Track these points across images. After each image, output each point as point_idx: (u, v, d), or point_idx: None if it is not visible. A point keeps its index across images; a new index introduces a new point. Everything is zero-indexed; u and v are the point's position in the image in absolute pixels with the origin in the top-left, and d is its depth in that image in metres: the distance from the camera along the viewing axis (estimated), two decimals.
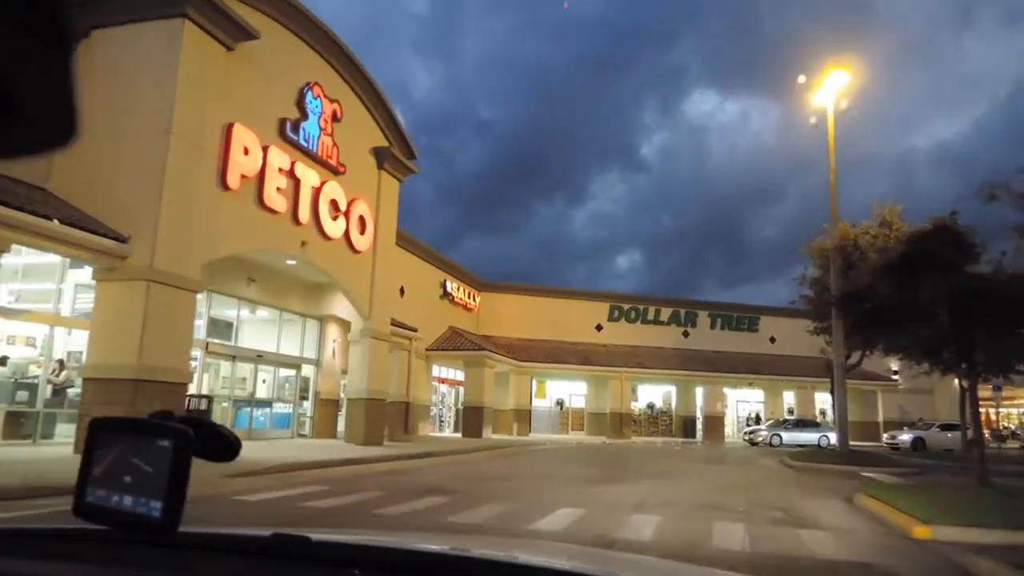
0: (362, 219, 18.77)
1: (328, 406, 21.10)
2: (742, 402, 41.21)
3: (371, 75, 19.08)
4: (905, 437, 31.15)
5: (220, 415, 17.04)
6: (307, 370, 21.18)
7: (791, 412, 39.19)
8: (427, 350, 28.77)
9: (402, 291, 26.86)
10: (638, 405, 39.07)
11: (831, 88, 21.28)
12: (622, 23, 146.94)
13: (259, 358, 18.89)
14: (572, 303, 38.79)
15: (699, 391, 38.49)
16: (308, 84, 16.51)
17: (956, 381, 40.91)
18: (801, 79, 21.59)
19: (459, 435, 28.90)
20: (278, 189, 15.20)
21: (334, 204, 17.45)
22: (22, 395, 13.28)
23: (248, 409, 18.32)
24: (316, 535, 1.18)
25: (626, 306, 40.13)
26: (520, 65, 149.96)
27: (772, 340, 41.74)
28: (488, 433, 29.04)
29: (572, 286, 44.57)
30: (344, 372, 21.41)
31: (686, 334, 40.81)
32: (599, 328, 39.15)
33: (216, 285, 16.93)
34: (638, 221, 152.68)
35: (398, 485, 11.13)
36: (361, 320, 19.47)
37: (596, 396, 37.46)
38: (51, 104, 0.58)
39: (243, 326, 18.61)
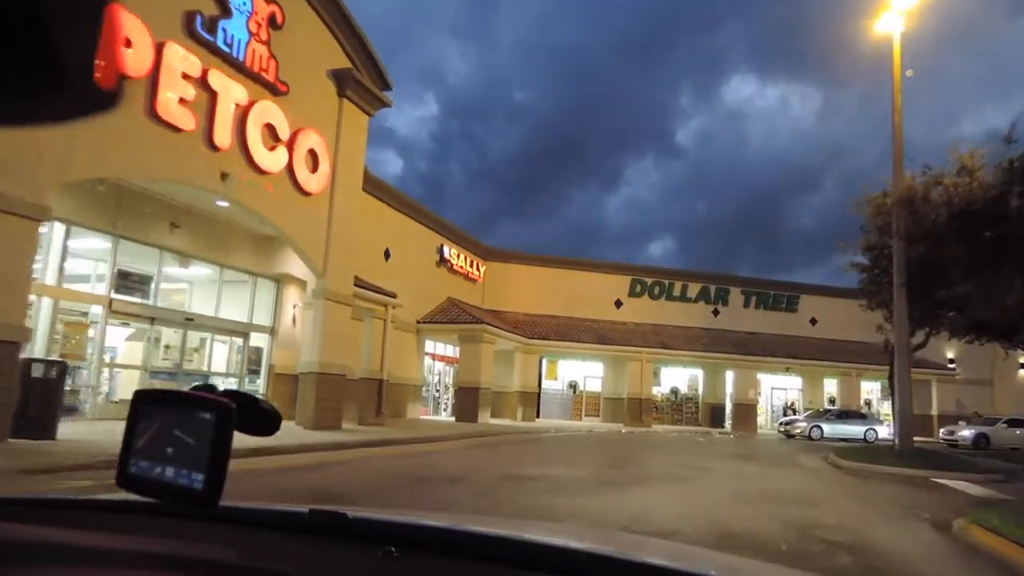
0: (313, 153, 15.32)
1: (285, 382, 17.66)
2: (777, 389, 37.11)
3: None
4: (966, 433, 27.19)
5: (126, 387, 13.92)
6: (259, 339, 17.91)
7: (832, 402, 35.14)
8: (418, 322, 25.47)
9: (387, 253, 23.52)
10: (660, 390, 34.86)
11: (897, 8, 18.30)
12: (660, 4, 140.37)
13: (189, 321, 15.65)
14: (589, 275, 34.78)
15: (729, 376, 34.18)
16: None
17: (1021, 372, 37.22)
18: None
19: (454, 419, 25.53)
20: (182, 100, 11.82)
21: (271, 130, 14.03)
22: None
23: (172, 383, 15.06)
24: (353, 512, 1.20)
25: (649, 280, 36.00)
26: (555, 49, 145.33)
27: (813, 322, 37.54)
28: (486, 417, 25.58)
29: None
30: None
31: (716, 312, 36.67)
32: (618, 304, 35.21)
33: (125, 230, 13.76)
34: (672, 208, 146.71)
35: (279, 488, 7.79)
36: (315, 279, 16.16)
37: (614, 379, 33.52)
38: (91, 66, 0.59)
39: (167, 283, 15.41)
